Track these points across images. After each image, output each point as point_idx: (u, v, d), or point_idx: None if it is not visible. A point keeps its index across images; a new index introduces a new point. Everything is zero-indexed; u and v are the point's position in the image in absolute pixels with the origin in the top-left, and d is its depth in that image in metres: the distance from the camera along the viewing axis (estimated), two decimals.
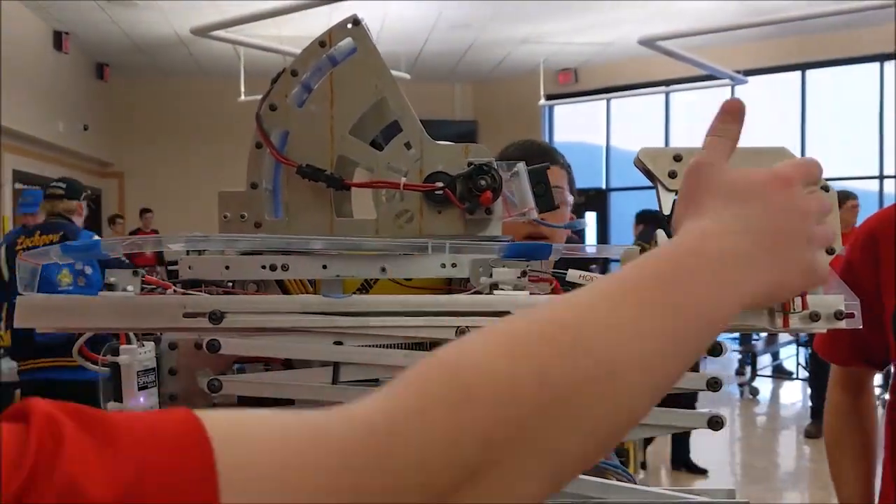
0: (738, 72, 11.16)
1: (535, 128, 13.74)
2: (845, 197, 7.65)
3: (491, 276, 0.83)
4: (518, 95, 13.51)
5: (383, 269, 0.97)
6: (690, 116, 12.94)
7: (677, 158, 0.78)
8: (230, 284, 0.98)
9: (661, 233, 0.75)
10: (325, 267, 0.96)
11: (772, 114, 12.29)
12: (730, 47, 11.23)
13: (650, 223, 7.10)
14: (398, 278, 0.99)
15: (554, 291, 0.88)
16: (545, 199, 1.04)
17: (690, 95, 12.49)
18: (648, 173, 0.78)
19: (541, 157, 1.54)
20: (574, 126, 14.05)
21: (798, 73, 11.83)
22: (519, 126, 13.61)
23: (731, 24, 9.05)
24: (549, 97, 12.88)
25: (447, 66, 12.91)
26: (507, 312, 0.79)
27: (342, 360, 0.82)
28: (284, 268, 0.96)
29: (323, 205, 1.01)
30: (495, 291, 0.82)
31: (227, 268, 0.97)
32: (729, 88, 11.95)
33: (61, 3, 9.74)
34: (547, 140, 13.92)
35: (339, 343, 0.82)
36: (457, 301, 0.82)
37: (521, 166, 1.02)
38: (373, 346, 0.83)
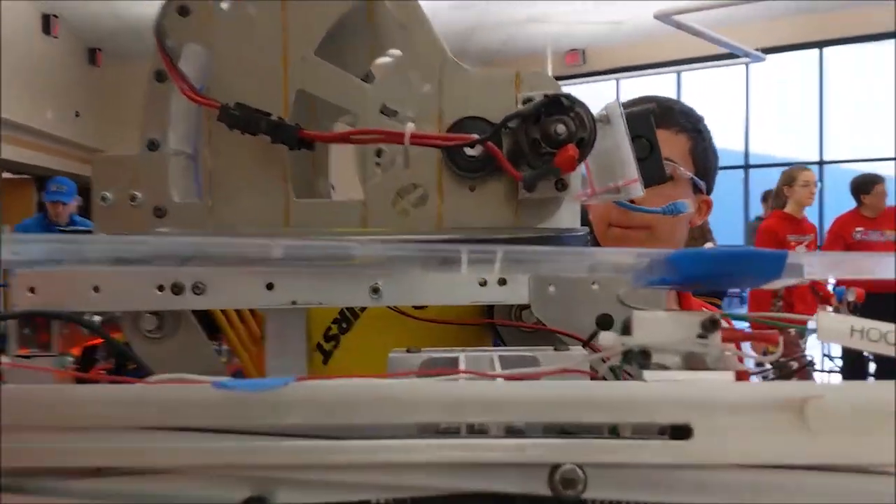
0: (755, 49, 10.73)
1: None
2: (872, 182, 7.17)
3: (609, 324, 0.39)
4: None
5: (376, 290, 0.54)
6: (702, 96, 12.51)
7: None
8: (98, 319, 0.56)
9: None
10: (270, 286, 0.54)
11: (789, 93, 11.87)
12: (744, 25, 10.79)
13: None
14: (402, 305, 0.57)
15: (797, 371, 0.44)
16: (652, 164, 0.61)
17: (702, 75, 12.06)
18: None
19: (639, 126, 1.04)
20: None
21: (816, 51, 11.39)
22: None
23: None
24: (556, 79, 12.43)
25: (451, 48, 12.48)
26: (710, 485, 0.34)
27: None
28: (198, 289, 0.54)
29: (271, 178, 0.59)
30: (646, 374, 0.37)
31: (96, 290, 0.54)
32: (743, 66, 11.50)
33: None
34: None
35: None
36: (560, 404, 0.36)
37: (612, 108, 0.58)
38: None
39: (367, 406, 0.33)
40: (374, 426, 0.33)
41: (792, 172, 5.42)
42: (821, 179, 11.46)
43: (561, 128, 0.51)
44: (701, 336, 0.36)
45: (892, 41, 10.38)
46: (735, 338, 0.36)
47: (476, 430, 0.35)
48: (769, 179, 9.15)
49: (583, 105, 0.52)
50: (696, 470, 0.33)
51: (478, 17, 11.05)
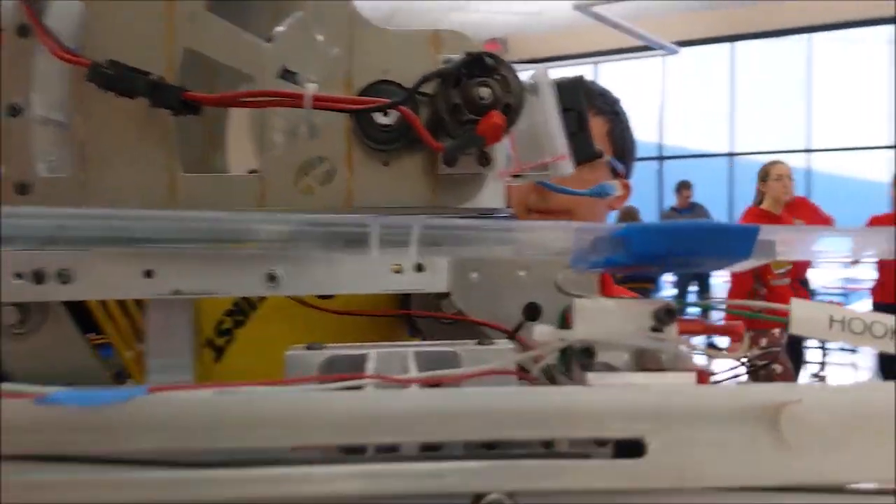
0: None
1: None
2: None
3: (537, 314, 0.33)
4: None
5: (272, 278, 0.47)
6: (620, 86, 12.67)
7: None
8: None
9: None
10: (149, 273, 0.46)
11: (701, 86, 12.11)
12: (660, 19, 10.96)
13: None
14: (305, 295, 0.50)
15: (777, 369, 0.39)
16: (582, 139, 0.56)
17: (620, 66, 12.21)
18: None
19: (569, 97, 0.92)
20: None
21: (728, 46, 11.64)
22: None
23: None
24: None
25: None
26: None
27: None
28: (64, 276, 0.46)
29: (154, 148, 0.51)
30: (589, 376, 0.31)
31: None
32: (659, 59, 11.67)
33: None
34: None
35: None
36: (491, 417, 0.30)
37: (539, 76, 0.53)
38: None
39: (240, 425, 0.26)
40: (250, 450, 0.26)
41: (766, 168, 5.34)
42: (731, 170, 11.79)
43: (485, 91, 0.44)
44: (655, 329, 0.30)
45: (800, 37, 10.70)
46: (693, 330, 0.30)
47: (384, 449, 0.29)
48: (682, 171, 9.34)
49: (509, 67, 0.46)
50: (651, 494, 0.28)
51: (398, 4, 10.91)
